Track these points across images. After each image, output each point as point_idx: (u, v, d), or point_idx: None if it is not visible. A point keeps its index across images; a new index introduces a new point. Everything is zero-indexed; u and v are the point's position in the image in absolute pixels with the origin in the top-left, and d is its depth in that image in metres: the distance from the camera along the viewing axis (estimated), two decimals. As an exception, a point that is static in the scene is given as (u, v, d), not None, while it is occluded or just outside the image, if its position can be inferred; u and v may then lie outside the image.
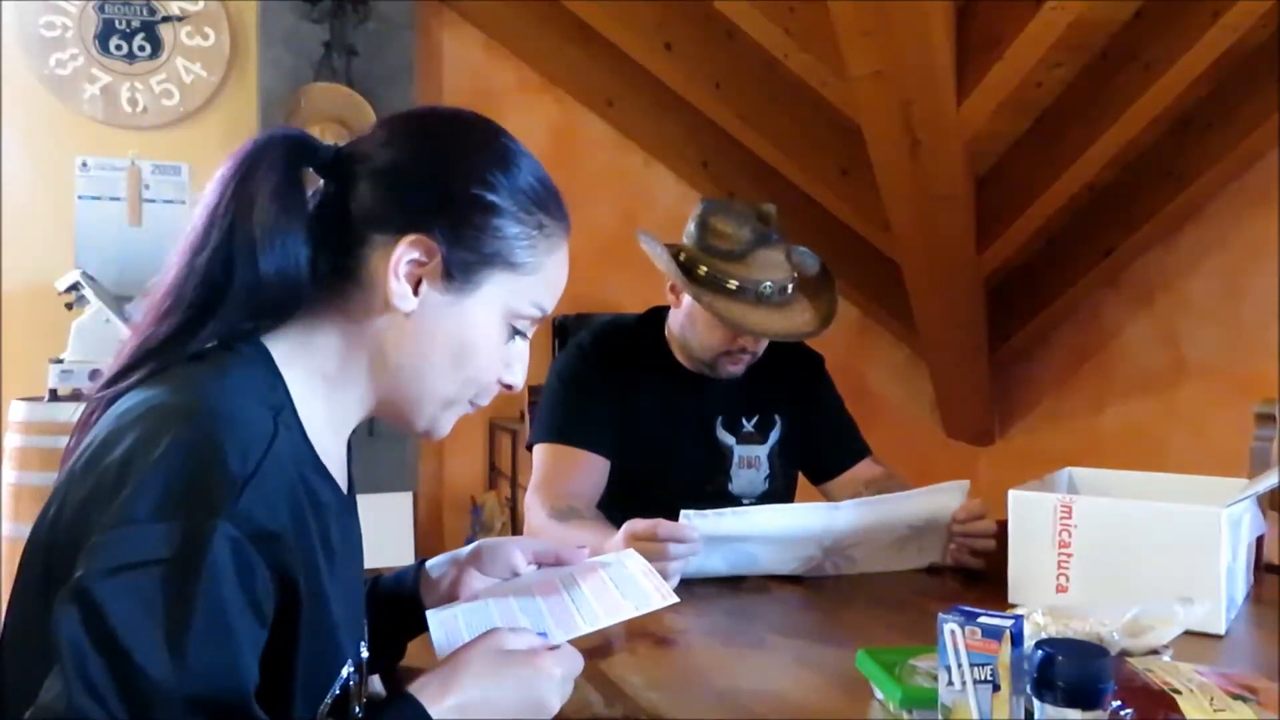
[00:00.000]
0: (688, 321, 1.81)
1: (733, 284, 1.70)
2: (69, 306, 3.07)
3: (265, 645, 0.75)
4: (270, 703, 0.75)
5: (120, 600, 0.68)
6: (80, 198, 3.28)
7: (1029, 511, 1.36)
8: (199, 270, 0.83)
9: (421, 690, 0.81)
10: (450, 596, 1.10)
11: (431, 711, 0.80)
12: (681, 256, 1.77)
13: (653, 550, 1.33)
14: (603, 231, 3.86)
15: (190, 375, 0.81)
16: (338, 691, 0.86)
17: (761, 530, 1.46)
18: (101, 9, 3.45)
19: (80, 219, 3.28)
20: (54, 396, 2.95)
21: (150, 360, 0.83)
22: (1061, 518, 1.33)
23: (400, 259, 0.85)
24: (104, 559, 0.69)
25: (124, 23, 3.48)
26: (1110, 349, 3.68)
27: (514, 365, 0.94)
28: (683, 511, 1.40)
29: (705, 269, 1.72)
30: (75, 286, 3.05)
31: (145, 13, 3.49)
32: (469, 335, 0.89)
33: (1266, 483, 1.38)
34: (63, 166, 3.30)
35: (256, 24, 3.51)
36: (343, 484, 0.92)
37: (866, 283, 3.93)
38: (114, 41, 3.47)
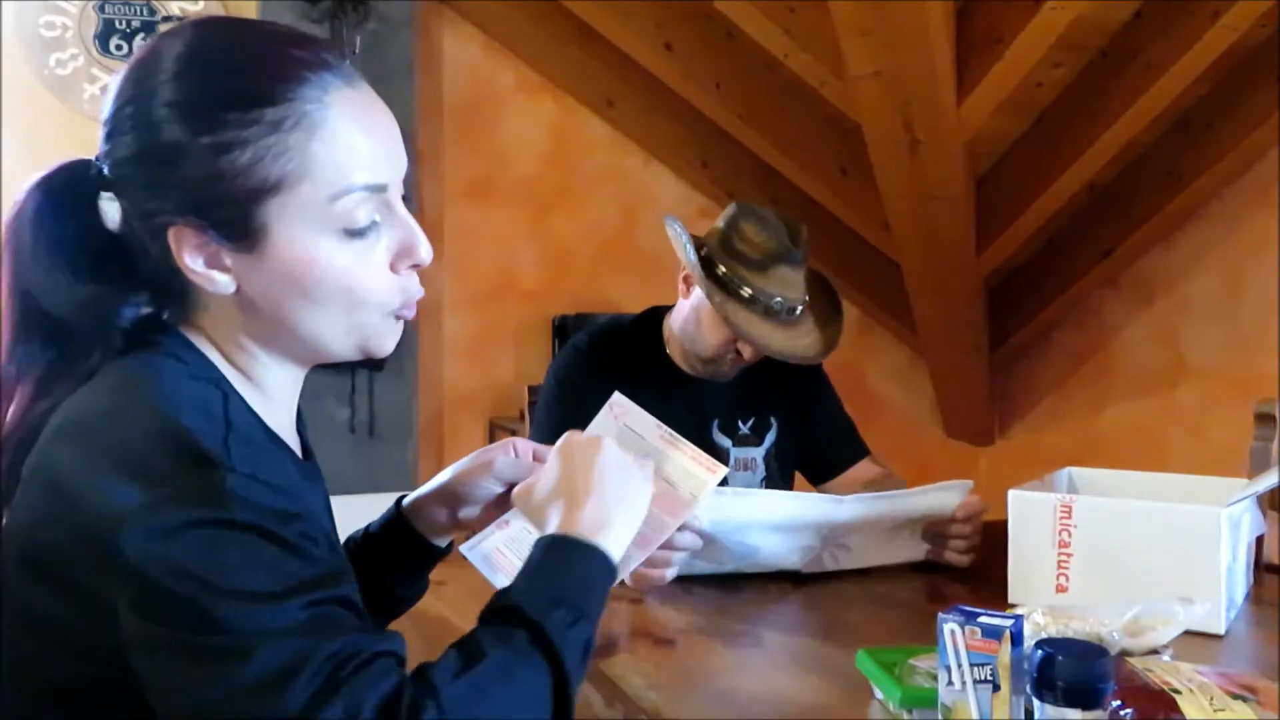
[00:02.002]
0: (692, 315, 1.80)
1: (746, 291, 1.70)
2: (69, 306, 3.07)
3: None
4: None
5: (182, 559, 0.68)
6: (80, 198, 3.27)
7: (1029, 511, 1.36)
8: (34, 327, 0.81)
9: (576, 528, 0.86)
10: (455, 527, 1.07)
11: (599, 544, 0.84)
12: (704, 251, 1.76)
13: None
14: (602, 231, 3.86)
15: (119, 372, 0.79)
16: None
17: (764, 517, 1.44)
18: (101, 9, 3.45)
19: (80, 219, 3.27)
20: (54, 396, 2.95)
21: (59, 384, 0.81)
22: (1061, 518, 1.33)
23: (182, 256, 0.78)
24: (137, 547, 0.68)
25: (124, 23, 3.48)
26: (1110, 349, 3.68)
27: (406, 247, 0.82)
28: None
29: (724, 269, 1.73)
30: (75, 286, 3.05)
31: (145, 13, 3.49)
32: (301, 273, 0.78)
33: (1266, 483, 1.38)
34: (63, 166, 3.29)
35: (256, 24, 3.51)
36: (297, 451, 0.91)
37: (866, 283, 3.93)
38: (114, 41, 3.47)
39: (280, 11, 3.46)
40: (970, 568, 1.54)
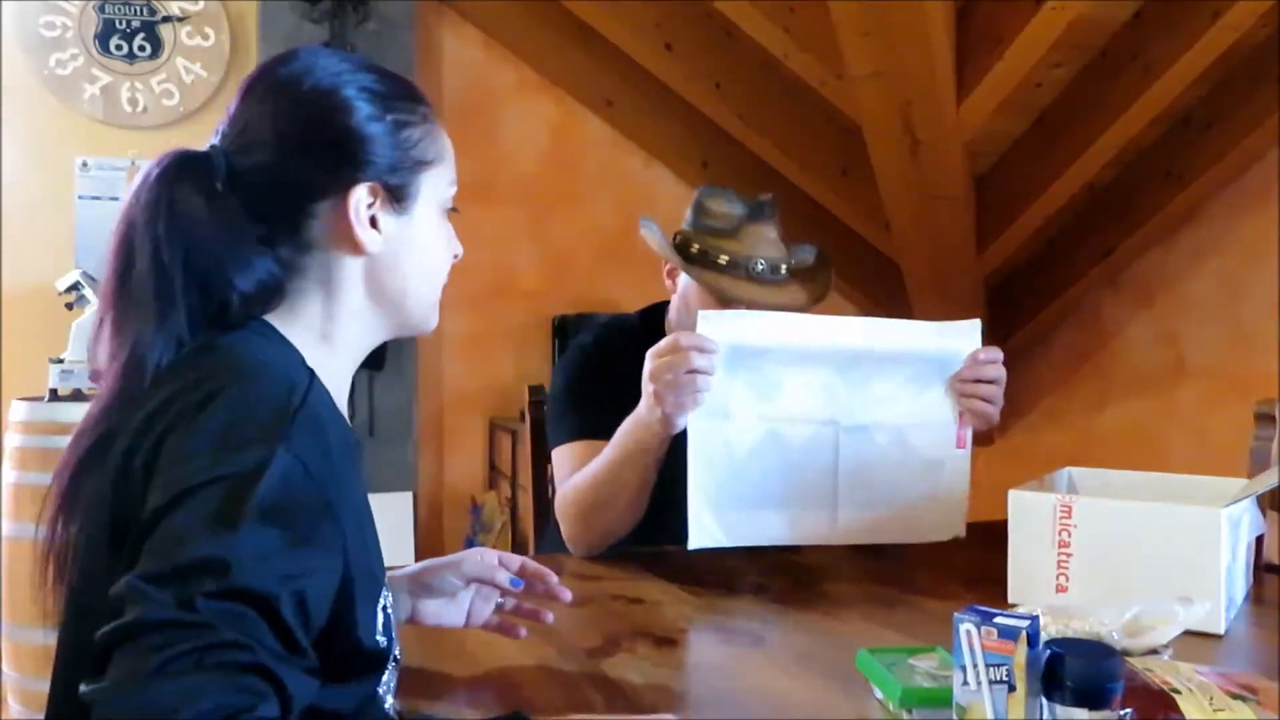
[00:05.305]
0: (681, 304, 1.82)
1: (724, 259, 1.72)
2: (69, 306, 3.07)
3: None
4: (339, 629, 0.80)
5: (178, 516, 0.72)
6: (80, 198, 3.27)
7: (1029, 511, 1.36)
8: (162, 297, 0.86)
9: None
10: (412, 619, 1.15)
11: None
12: (677, 239, 1.80)
13: (676, 362, 1.41)
14: (603, 231, 3.86)
15: (222, 348, 0.86)
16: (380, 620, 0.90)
17: (778, 340, 1.49)
18: (101, 9, 3.45)
19: (80, 219, 3.27)
20: (54, 396, 2.95)
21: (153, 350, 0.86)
22: (1061, 518, 1.33)
23: (358, 211, 0.91)
24: (165, 491, 0.74)
25: (124, 23, 3.48)
26: (1110, 349, 3.68)
27: (455, 241, 1.02)
28: (700, 313, 1.46)
29: (698, 246, 1.75)
30: (75, 286, 3.04)
31: (145, 13, 3.49)
32: (427, 239, 0.97)
33: (1266, 483, 1.38)
34: (63, 166, 3.29)
35: (256, 24, 3.51)
36: None
37: (866, 283, 3.93)
38: (114, 41, 3.47)
39: (280, 11, 3.46)
40: (969, 568, 1.54)
